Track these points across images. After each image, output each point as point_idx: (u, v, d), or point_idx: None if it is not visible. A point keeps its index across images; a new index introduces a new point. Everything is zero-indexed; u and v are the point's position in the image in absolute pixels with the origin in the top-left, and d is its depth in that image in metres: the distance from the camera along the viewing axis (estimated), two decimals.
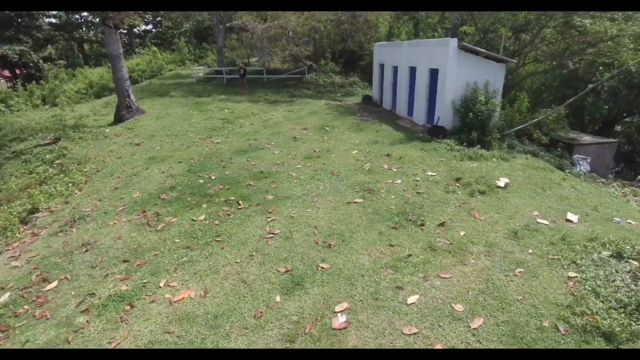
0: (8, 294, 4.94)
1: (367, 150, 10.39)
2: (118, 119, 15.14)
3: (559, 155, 11.82)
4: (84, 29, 34.08)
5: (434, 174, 8.57)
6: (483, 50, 11.78)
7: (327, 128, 12.71)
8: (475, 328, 4.02)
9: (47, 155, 11.83)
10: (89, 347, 3.94)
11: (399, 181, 8.15)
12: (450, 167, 9.05)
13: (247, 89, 20.21)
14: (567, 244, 5.60)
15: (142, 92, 20.80)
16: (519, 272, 4.97)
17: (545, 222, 6.34)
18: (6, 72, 28.38)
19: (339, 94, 19.87)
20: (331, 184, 8.05)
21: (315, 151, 10.34)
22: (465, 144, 10.54)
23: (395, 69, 15.53)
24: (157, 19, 47.86)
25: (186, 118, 14.83)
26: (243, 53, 26.82)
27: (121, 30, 39.01)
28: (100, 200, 8.05)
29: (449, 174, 8.60)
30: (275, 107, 16.59)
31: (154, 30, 49.24)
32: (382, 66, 17.15)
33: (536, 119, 12.65)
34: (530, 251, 5.47)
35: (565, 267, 5.09)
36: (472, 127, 10.92)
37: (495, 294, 4.56)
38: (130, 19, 16.67)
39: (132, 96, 15.42)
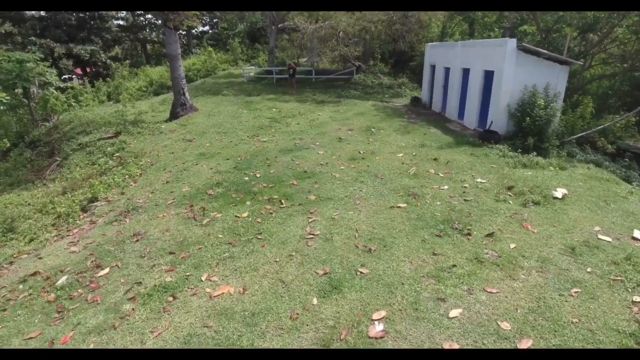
0: (65, 277, 5.32)
1: (414, 153, 10.11)
2: (173, 116, 15.91)
3: (626, 166, 10.81)
4: (147, 30, 36.34)
5: (483, 181, 8.15)
6: (544, 51, 11.05)
7: (373, 130, 12.53)
8: (523, 350, 3.75)
9: (109, 149, 12.68)
10: (131, 336, 4.14)
11: (446, 187, 7.84)
12: (501, 174, 8.57)
13: (295, 89, 20.46)
14: (633, 265, 5.07)
15: (196, 91, 21.73)
16: (575, 292, 4.58)
17: (607, 238, 5.80)
18: (78, 70, 30.95)
19: (386, 95, 19.56)
20: (374, 186, 7.92)
21: (359, 153, 10.22)
22: (519, 150, 9.94)
23: (447, 71, 15.00)
24: (214, 20, 49.90)
25: (236, 116, 15.28)
26: (293, 53, 27.20)
27: (180, 31, 41.24)
28: (152, 192, 8.48)
29: (500, 181, 8.14)
30: (322, 107, 16.64)
31: (210, 31, 51.38)
32: (433, 67, 16.64)
33: (602, 126, 11.67)
34: (589, 270, 5.02)
35: (630, 290, 4.61)
36: (528, 133, 10.28)
37: (547, 314, 4.23)
38: (189, 21, 17.46)
39: (187, 94, 16.15)
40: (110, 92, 24.45)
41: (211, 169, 9.51)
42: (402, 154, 10.06)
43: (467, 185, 7.94)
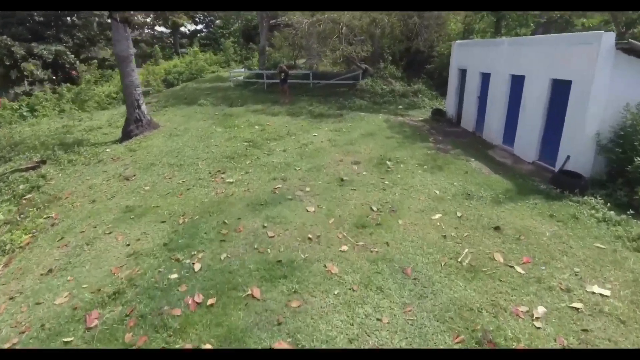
0: None
1: (457, 212, 6.37)
2: (125, 135, 12.26)
3: None
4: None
5: (604, 292, 4.40)
6: None
7: (388, 163, 8.79)
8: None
9: (21, 186, 9.06)
10: None
11: (541, 311, 4.11)
12: (628, 268, 4.82)
13: (288, 97, 16.76)
14: None
15: (169, 99, 18.11)
16: None
17: None
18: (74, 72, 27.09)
19: (400, 106, 15.81)
20: (403, 305, 4.20)
21: (372, 210, 6.50)
22: (630, 211, 6.17)
23: (484, 77, 11.25)
24: (209, 18, 46.32)
25: (205, 137, 11.59)
26: (286, 54, 23.53)
27: (166, 29, 37.24)
28: (6, 301, 4.81)
29: (636, 288, 4.41)
30: (319, 123, 12.92)
31: (205, 30, 47.75)
32: (462, 72, 12.90)
33: None
34: None
35: None
36: (637, 180, 6.52)
37: None
38: (136, 17, 13.79)
39: (143, 107, 12.48)
40: (73, 100, 20.84)
41: (127, 245, 5.80)
42: (439, 215, 6.32)
43: (579, 305, 4.19)
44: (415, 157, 9.26)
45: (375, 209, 6.59)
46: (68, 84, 22.26)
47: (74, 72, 26.67)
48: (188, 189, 7.83)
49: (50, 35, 25.44)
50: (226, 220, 6.30)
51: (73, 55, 24.60)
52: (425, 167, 8.57)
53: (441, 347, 3.67)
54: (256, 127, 12.54)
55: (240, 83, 22.03)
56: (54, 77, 27.13)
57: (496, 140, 10.56)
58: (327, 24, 14.97)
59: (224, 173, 8.60)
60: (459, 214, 6.33)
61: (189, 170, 8.92)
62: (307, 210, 6.57)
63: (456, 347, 3.67)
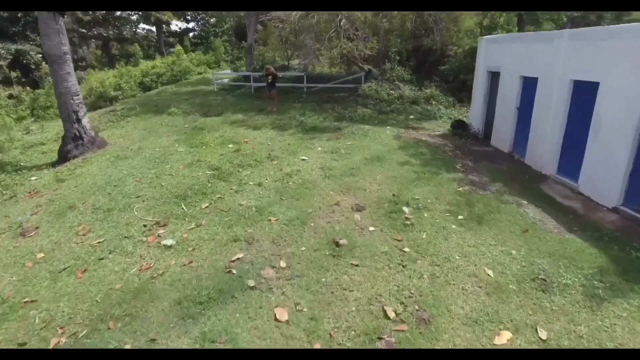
0: None
1: (536, 327, 3.62)
2: (62, 157, 9.55)
3: None
4: (111, 26, 29.85)
5: None
6: None
7: (406, 210, 6.04)
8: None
9: None
10: None
11: None
12: None
13: (276, 105, 14.01)
14: None
15: (136, 107, 15.35)
16: None
17: None
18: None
19: (411, 116, 13.04)
20: None
21: (387, 317, 3.78)
22: None
23: (529, 83, 8.51)
24: (200, 15, 43.54)
25: (160, 161, 8.84)
26: (280, 53, 20.80)
27: (145, 27, 34.12)
28: None
29: None
30: (311, 140, 10.16)
31: (196, 28, 44.94)
32: (493, 75, 10.16)
33: None
34: None
35: None
36: None
37: None
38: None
39: (84, 121, 9.73)
40: (32, 106, 18.11)
41: None
42: (506, 334, 3.57)
43: None
44: (443, 197, 6.50)
45: (392, 314, 3.85)
46: (27, 87, 19.54)
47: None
48: (100, 259, 5.07)
49: (16, 32, 22.71)
50: (128, 343, 3.56)
51: (41, 55, 21.84)
52: (460, 217, 5.81)
53: None
54: (230, 145, 9.79)
55: (225, 87, 19.28)
56: (24, 79, 24.43)
57: (547, 169, 7.80)
58: (321, 16, 12.22)
59: (164, 226, 5.85)
60: (541, 334, 3.58)
61: (118, 219, 6.16)
62: (276, 319, 3.83)
63: None
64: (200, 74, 26.86)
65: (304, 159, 8.61)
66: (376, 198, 6.52)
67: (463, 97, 14.77)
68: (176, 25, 42.60)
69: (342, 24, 11.76)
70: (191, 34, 43.90)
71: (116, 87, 18.85)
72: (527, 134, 8.55)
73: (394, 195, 6.58)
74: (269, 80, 13.71)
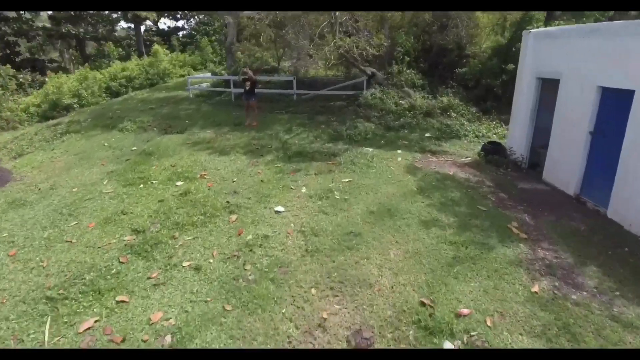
0: None
1: None
2: None
3: None
4: (81, 25, 26.71)
5: None
6: None
7: (450, 345, 3.17)
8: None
9: None
10: None
11: None
12: None
13: (255, 118, 11.17)
14: None
15: (85, 120, 12.50)
16: None
17: None
18: None
19: (427, 133, 10.18)
20: None
21: None
22: None
23: (616, 97, 5.67)
24: (190, 13, 40.64)
25: (67, 213, 5.98)
26: (259, 56, 17.97)
27: (124, 26, 31.12)
28: None
29: None
30: (294, 177, 7.29)
31: (187, 27, 42.05)
32: (548, 84, 7.31)
33: None
34: None
35: None
36: None
37: None
38: None
39: None
40: None
41: None
42: None
43: None
44: (512, 311, 3.66)
45: None
46: None
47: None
48: None
49: None
50: None
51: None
52: None
53: None
54: (179, 183, 6.94)
55: (203, 93, 16.42)
56: None
57: None
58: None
59: None
60: None
61: None
62: None
63: None
64: (183, 76, 24.05)
65: (278, 211, 5.76)
66: (392, 312, 3.68)
67: (489, 107, 11.91)
68: (164, 23, 39.82)
69: (336, 15, 8.86)
70: (181, 34, 41.15)
71: (75, 94, 16.00)
72: (611, 173, 5.71)
73: (423, 304, 3.73)
74: (247, 88, 10.85)
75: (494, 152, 8.50)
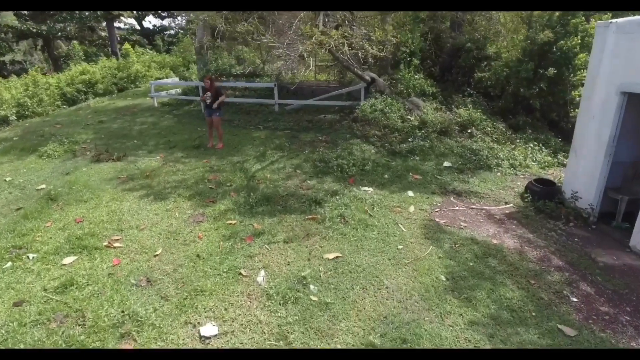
0: None
1: None
2: None
3: None
4: (56, 22, 23.99)
5: None
6: None
7: None
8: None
9: None
10: None
11: None
12: None
13: (220, 139, 8.61)
14: None
15: (10, 139, 9.91)
16: None
17: None
18: None
19: (446, 162, 7.60)
20: None
21: None
22: None
23: None
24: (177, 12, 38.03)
25: None
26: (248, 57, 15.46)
27: (93, 25, 28.37)
28: None
29: None
30: (251, 247, 4.73)
31: (173, 26, 39.42)
32: (636, 100, 4.77)
33: None
34: None
35: None
36: None
37: None
38: None
39: None
40: None
41: None
42: None
43: None
44: None
45: None
46: None
47: None
48: None
49: None
50: None
51: None
52: None
53: None
54: (67, 260, 4.38)
55: (171, 101, 13.85)
56: None
57: None
58: None
59: None
60: None
61: None
62: None
63: None
64: (160, 79, 21.47)
65: (205, 337, 3.20)
66: None
67: (520, 123, 9.36)
68: (149, 22, 37.21)
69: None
70: (167, 33, 38.58)
71: (18, 102, 13.40)
72: None
73: None
74: (207, 100, 8.27)
75: (545, 195, 5.96)
